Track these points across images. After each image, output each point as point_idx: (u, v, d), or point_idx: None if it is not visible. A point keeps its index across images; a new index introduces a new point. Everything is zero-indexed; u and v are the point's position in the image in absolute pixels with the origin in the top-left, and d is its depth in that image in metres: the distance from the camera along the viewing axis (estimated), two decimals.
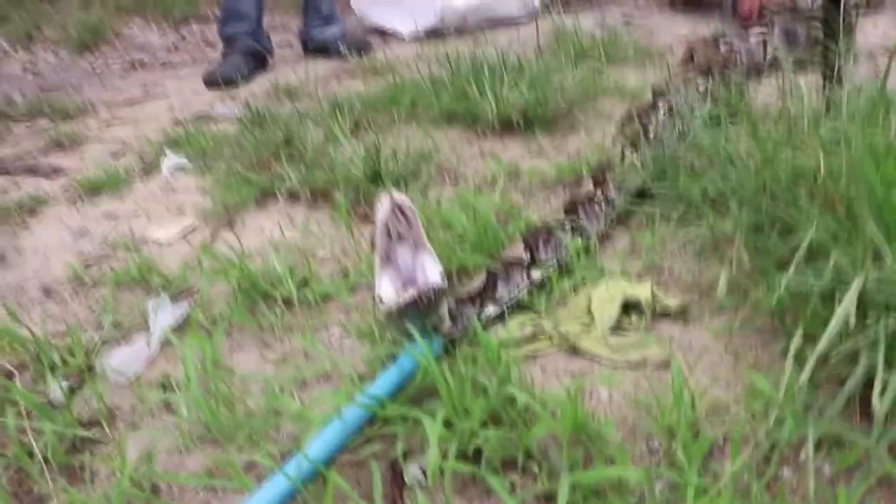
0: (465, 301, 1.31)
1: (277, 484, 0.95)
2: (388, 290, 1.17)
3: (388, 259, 1.21)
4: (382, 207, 1.19)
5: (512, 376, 1.10)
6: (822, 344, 0.70)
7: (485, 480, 0.97)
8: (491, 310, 1.34)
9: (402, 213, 1.20)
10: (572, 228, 1.52)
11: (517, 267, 1.40)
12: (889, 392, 0.77)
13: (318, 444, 1.01)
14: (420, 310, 1.16)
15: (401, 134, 2.29)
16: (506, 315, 1.36)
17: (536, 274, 1.42)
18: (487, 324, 1.32)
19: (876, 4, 3.44)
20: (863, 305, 0.99)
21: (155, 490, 1.08)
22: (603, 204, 1.61)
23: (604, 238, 1.60)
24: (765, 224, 1.32)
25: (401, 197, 1.19)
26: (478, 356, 1.13)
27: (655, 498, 0.86)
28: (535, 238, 1.46)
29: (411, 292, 1.13)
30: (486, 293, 1.35)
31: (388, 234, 1.21)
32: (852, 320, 0.71)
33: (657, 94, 1.96)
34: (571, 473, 0.91)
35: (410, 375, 1.14)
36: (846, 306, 0.70)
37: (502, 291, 1.37)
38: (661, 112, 1.91)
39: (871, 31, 2.86)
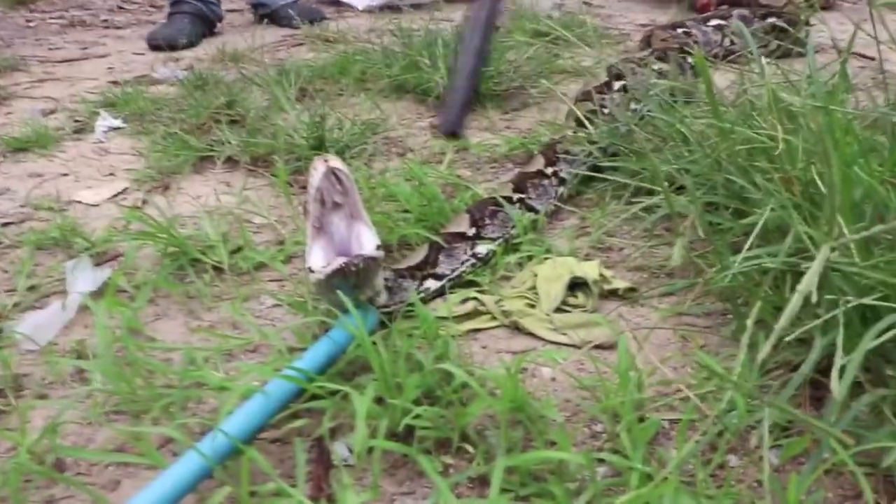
0: (403, 274, 1.24)
1: (191, 461, 0.88)
2: (317, 260, 1.10)
3: (322, 227, 1.14)
4: (316, 172, 1.11)
5: (450, 353, 1.03)
6: (783, 320, 0.65)
7: (416, 461, 0.91)
8: (431, 284, 1.28)
9: (338, 179, 1.12)
10: (521, 203, 1.46)
11: (461, 241, 1.34)
12: (848, 374, 0.73)
13: (237, 419, 0.93)
14: (351, 280, 1.09)
15: (348, 104, 2.21)
16: (445, 290, 1.30)
17: (481, 248, 1.35)
18: (427, 298, 1.26)
19: (830, 5, 3.46)
20: (819, 287, 0.95)
21: (59, 465, 0.99)
22: (553, 181, 1.55)
23: (553, 215, 1.55)
24: (719, 204, 1.28)
25: (336, 162, 1.12)
26: (414, 331, 1.06)
27: (597, 483, 0.80)
28: (482, 212, 1.40)
29: (340, 262, 1.06)
30: (426, 267, 1.28)
31: (322, 201, 1.13)
32: (814, 296, 0.66)
33: (613, 73, 1.91)
34: (509, 455, 0.85)
35: (342, 349, 1.06)
36: (809, 279, 0.65)
37: (444, 266, 1.30)
38: (617, 91, 1.86)
39: (821, 29, 2.84)
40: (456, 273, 1.31)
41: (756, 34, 2.68)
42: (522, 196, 1.48)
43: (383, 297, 1.17)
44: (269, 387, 0.97)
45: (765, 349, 0.64)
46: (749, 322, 0.74)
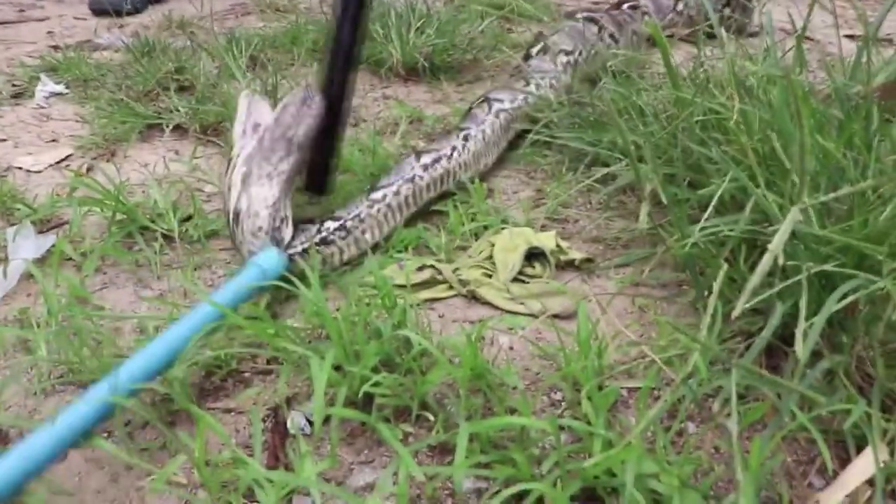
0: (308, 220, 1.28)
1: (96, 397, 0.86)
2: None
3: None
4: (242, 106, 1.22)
5: (408, 321, 1.02)
6: (753, 280, 0.64)
7: (375, 430, 0.89)
8: (331, 225, 1.26)
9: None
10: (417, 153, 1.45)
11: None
12: (811, 337, 0.73)
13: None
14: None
15: (300, 74, 2.17)
16: (347, 230, 1.28)
17: (376, 194, 1.33)
18: (328, 240, 1.25)
19: None
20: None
21: (3, 437, 0.95)
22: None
23: (509, 185, 1.54)
24: (677, 175, 1.28)
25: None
26: (371, 299, 1.05)
27: (561, 449, 0.80)
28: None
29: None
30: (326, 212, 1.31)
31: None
32: (781, 258, 0.66)
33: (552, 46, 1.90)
34: (471, 423, 0.84)
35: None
36: (779, 240, 0.65)
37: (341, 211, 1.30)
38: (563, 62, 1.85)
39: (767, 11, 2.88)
40: (353, 216, 1.29)
41: (714, 7, 2.71)
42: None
43: (287, 234, 1.20)
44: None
45: (738, 308, 0.64)
46: (715, 286, 0.74)
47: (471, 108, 1.62)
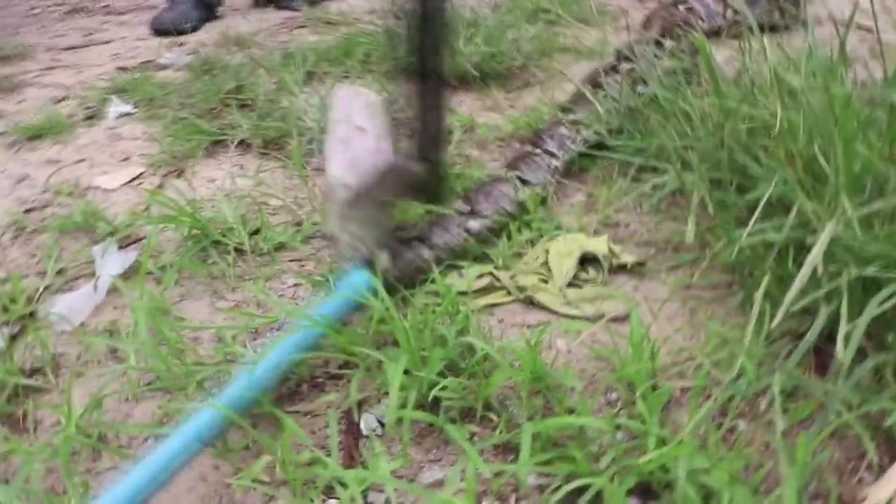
0: (403, 243, 1.30)
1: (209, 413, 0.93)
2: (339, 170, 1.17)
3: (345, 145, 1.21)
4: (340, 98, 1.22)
5: (471, 327, 1.08)
6: (794, 289, 0.69)
7: (443, 430, 0.96)
8: (426, 253, 1.32)
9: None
10: (518, 181, 1.50)
11: (454, 216, 1.38)
12: (853, 341, 0.78)
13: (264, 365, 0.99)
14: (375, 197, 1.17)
15: (355, 86, 2.25)
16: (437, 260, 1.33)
17: (475, 224, 1.39)
18: (441, 273, 1.30)
19: None
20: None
21: (102, 438, 1.04)
22: (544, 157, 1.58)
23: (558, 192, 1.59)
24: (724, 180, 1.32)
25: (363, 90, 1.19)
26: (436, 307, 1.11)
27: (618, 447, 0.86)
28: (476, 190, 1.45)
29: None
30: (423, 239, 1.33)
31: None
32: (820, 268, 0.71)
33: (621, 56, 1.94)
34: (532, 423, 0.90)
35: (355, 304, 1.12)
36: (817, 252, 0.70)
37: (437, 238, 1.34)
38: (622, 72, 1.89)
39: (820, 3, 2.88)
40: (449, 246, 1.34)
41: (761, 6, 2.72)
42: (517, 172, 1.52)
43: (384, 262, 1.22)
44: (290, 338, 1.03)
45: (777, 317, 0.69)
46: (759, 293, 0.79)
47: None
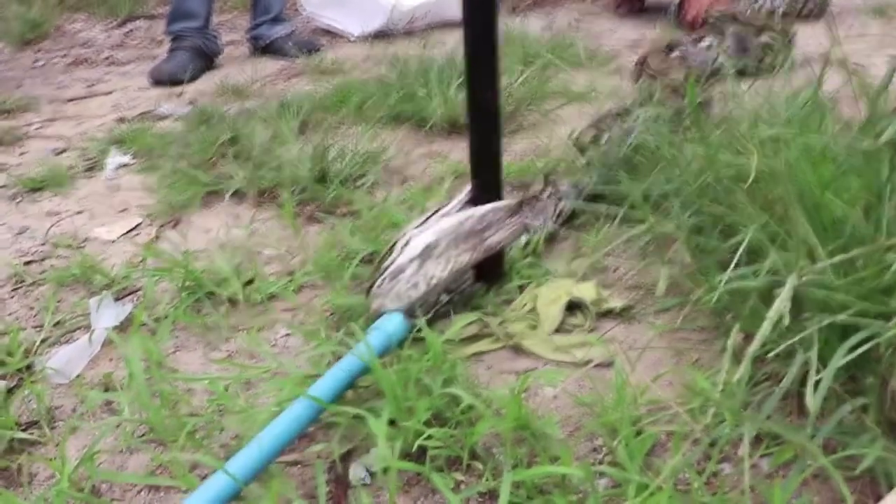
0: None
1: (219, 482, 0.94)
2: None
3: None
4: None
5: (457, 375, 1.10)
6: (755, 343, 0.71)
7: (429, 479, 0.98)
8: (444, 297, 1.34)
9: None
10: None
11: None
12: (822, 389, 0.79)
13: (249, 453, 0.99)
14: None
15: (348, 134, 2.28)
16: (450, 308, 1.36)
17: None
18: (432, 320, 1.32)
19: (818, 14, 3.53)
20: (799, 304, 1.02)
21: (96, 491, 1.06)
22: (549, 201, 1.61)
23: (550, 239, 1.61)
24: (706, 225, 1.35)
25: None
26: (421, 355, 1.13)
27: (598, 495, 0.87)
28: None
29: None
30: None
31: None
32: (786, 320, 0.73)
33: (622, 108, 1.97)
34: (515, 471, 0.92)
35: (357, 375, 1.13)
36: (779, 305, 0.72)
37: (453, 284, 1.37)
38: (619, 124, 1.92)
39: (810, 39, 2.94)
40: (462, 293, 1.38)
41: (750, 49, 2.77)
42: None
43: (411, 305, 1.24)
44: (283, 416, 1.03)
45: (741, 368, 0.71)
46: (729, 343, 0.81)
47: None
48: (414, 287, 1.22)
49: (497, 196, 1.33)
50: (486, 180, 1.32)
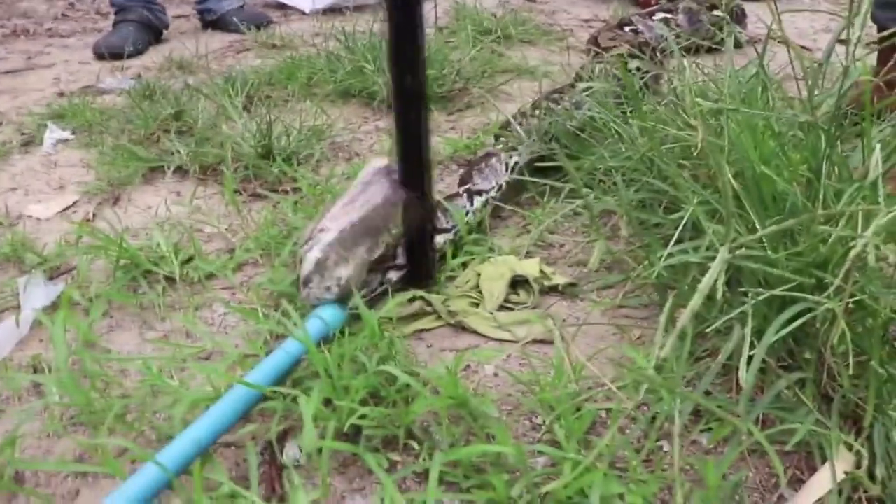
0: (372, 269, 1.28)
1: (149, 472, 0.91)
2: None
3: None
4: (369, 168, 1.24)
5: (396, 353, 1.08)
6: (684, 318, 0.70)
7: (364, 460, 0.95)
8: (393, 276, 1.31)
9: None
10: (469, 193, 1.51)
11: None
12: (754, 364, 0.79)
13: (182, 442, 0.96)
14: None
15: (295, 110, 2.24)
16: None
17: (439, 239, 1.39)
18: (374, 299, 1.30)
19: None
20: (738, 279, 1.01)
21: (18, 478, 1.02)
22: (499, 161, 1.59)
23: (492, 214, 1.59)
24: (650, 201, 1.34)
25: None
26: (359, 333, 1.11)
27: (531, 473, 0.86)
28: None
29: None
30: (388, 261, 1.32)
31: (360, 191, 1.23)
32: (720, 292, 0.72)
33: (576, 77, 1.96)
34: (450, 450, 0.90)
35: (296, 360, 1.10)
36: (709, 278, 0.71)
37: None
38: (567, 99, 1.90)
39: (761, 18, 2.95)
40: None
41: (703, 27, 2.77)
42: (470, 186, 1.53)
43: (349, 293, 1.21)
44: (221, 402, 1.00)
45: (668, 343, 0.70)
46: (662, 318, 0.79)
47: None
48: (327, 290, 1.19)
49: (421, 184, 1.28)
50: (411, 169, 1.26)
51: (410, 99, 1.20)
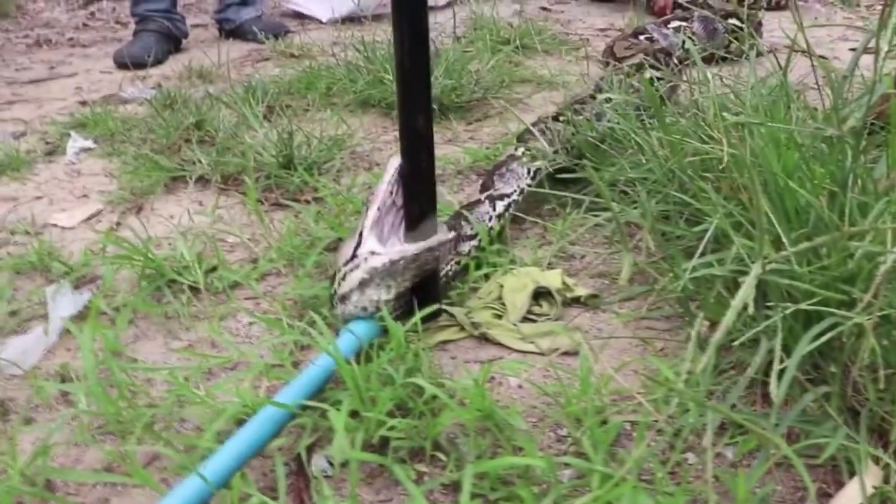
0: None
1: (190, 487, 0.92)
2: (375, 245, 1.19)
3: (377, 222, 1.21)
4: (392, 167, 1.21)
5: (421, 366, 1.09)
6: (719, 333, 0.71)
7: (391, 471, 0.96)
8: (465, 246, 1.35)
9: None
10: (490, 199, 1.52)
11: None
12: (786, 378, 0.79)
13: (222, 457, 0.97)
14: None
15: (315, 120, 2.26)
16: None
17: (464, 247, 1.40)
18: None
19: (786, 3, 3.54)
20: (764, 293, 1.01)
21: (49, 486, 1.03)
22: (521, 166, 1.60)
23: (513, 226, 1.59)
24: (673, 213, 1.34)
25: None
26: (385, 345, 1.11)
27: (562, 486, 0.86)
28: (457, 216, 1.46)
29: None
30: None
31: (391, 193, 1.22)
32: (751, 308, 0.72)
33: (596, 88, 1.96)
34: (478, 462, 0.90)
35: (330, 374, 1.11)
36: (744, 293, 0.71)
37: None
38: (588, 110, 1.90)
39: (776, 27, 2.94)
40: (447, 273, 1.37)
41: (718, 35, 2.77)
42: (492, 193, 1.55)
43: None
44: (258, 418, 1.01)
45: (705, 357, 0.70)
46: (693, 332, 0.80)
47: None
48: (363, 310, 1.20)
49: (433, 224, 1.25)
50: (420, 203, 1.24)
51: (419, 139, 1.21)
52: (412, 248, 1.16)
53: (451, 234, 1.17)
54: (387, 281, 1.17)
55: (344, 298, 1.20)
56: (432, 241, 1.16)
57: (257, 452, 1.00)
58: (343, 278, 1.20)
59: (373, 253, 1.17)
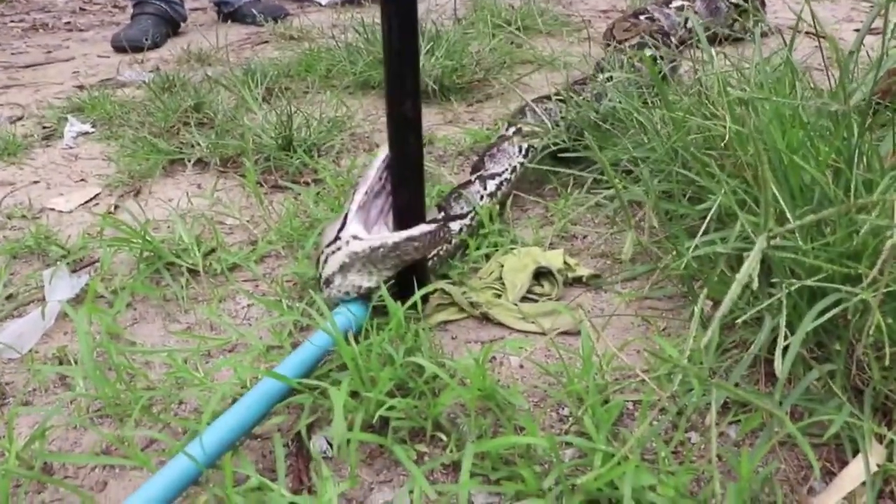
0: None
1: (179, 465, 0.91)
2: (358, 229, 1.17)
3: (364, 206, 1.20)
4: (383, 151, 1.21)
5: (421, 345, 1.08)
6: (723, 307, 0.69)
7: (392, 451, 0.95)
8: (456, 226, 1.35)
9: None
10: (481, 179, 1.50)
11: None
12: (790, 355, 0.78)
13: (218, 428, 0.96)
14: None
15: (315, 102, 2.24)
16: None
17: (455, 226, 1.40)
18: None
19: None
20: (768, 269, 1.00)
21: (47, 469, 1.02)
22: (511, 145, 1.59)
23: (514, 206, 1.58)
24: (675, 191, 1.33)
25: None
26: (385, 325, 1.10)
27: (562, 465, 0.85)
28: (448, 198, 1.45)
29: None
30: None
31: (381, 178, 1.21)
32: (755, 284, 0.71)
33: (598, 67, 1.94)
34: (479, 442, 0.90)
35: (324, 352, 1.10)
36: (746, 269, 0.70)
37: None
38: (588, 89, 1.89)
39: (779, 5, 2.92)
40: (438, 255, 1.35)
41: (721, 14, 2.75)
42: (481, 173, 1.54)
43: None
44: (250, 394, 1.00)
45: (708, 333, 0.69)
46: (696, 309, 0.78)
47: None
48: (346, 294, 1.19)
49: (420, 212, 1.22)
50: (408, 190, 1.21)
51: (410, 132, 1.18)
52: (393, 237, 1.14)
53: (435, 226, 1.14)
54: (368, 267, 1.15)
55: (328, 282, 1.19)
56: (414, 231, 1.14)
57: (248, 430, 0.99)
58: (325, 260, 1.19)
59: (355, 237, 1.15)
